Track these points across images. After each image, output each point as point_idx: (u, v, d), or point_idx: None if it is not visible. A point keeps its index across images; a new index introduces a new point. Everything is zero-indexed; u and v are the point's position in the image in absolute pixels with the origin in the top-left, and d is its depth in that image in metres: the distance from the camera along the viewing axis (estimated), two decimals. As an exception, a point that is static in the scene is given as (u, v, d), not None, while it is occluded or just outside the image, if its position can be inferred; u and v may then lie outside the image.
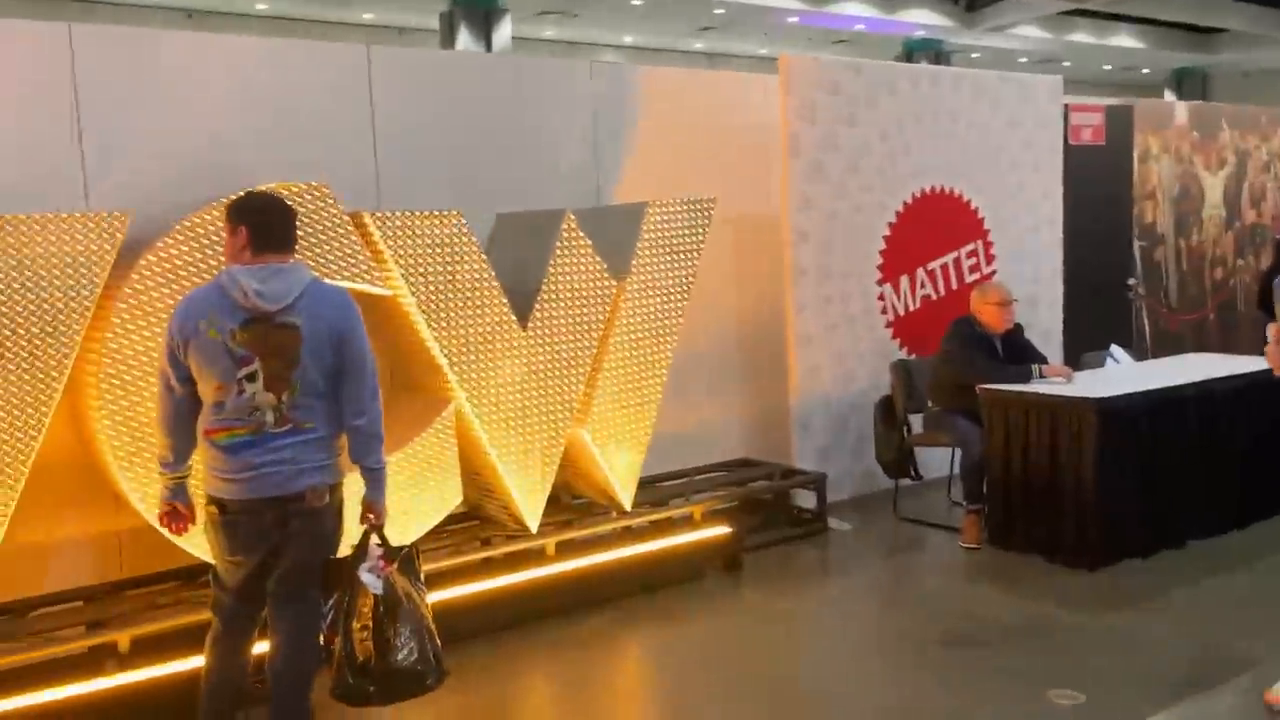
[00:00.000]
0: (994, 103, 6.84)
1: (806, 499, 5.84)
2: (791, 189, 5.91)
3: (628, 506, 4.87)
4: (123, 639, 3.67)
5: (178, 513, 3.17)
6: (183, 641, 3.68)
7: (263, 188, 3.87)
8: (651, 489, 5.34)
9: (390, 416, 4.40)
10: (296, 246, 3.17)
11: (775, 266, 5.99)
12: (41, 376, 3.51)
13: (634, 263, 4.78)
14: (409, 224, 4.18)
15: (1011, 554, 5.18)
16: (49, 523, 4.04)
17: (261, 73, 4.54)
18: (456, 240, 4.28)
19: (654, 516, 5.00)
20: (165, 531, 3.24)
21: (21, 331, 3.47)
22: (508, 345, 4.43)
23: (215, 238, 3.78)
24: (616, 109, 5.60)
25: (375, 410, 3.14)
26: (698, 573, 4.97)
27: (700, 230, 5.00)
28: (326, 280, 3.68)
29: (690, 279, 4.98)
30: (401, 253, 4.16)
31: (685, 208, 4.95)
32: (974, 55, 22.48)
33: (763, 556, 5.28)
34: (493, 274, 4.39)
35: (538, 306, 4.51)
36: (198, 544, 3.73)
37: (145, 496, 3.71)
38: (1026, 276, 6.90)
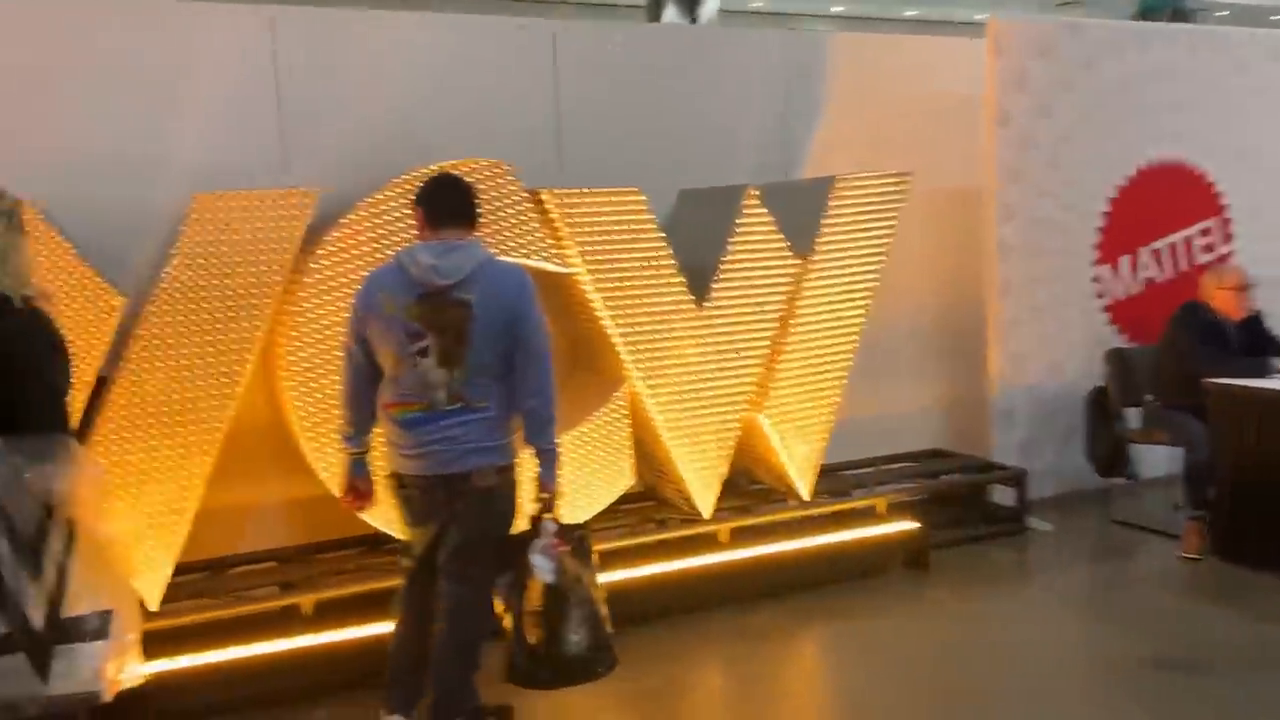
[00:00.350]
0: (1239, 64, 6.11)
1: (1004, 495, 5.45)
2: (998, 161, 5.48)
3: (806, 495, 4.67)
4: (306, 602, 3.81)
5: (357, 490, 3.25)
6: (363, 607, 3.80)
7: (444, 165, 3.92)
8: (833, 478, 5.11)
9: (564, 396, 4.40)
10: (478, 224, 3.16)
11: (977, 244, 5.59)
12: (234, 348, 3.67)
13: (819, 241, 4.55)
14: (587, 201, 4.12)
15: (1239, 568, 4.64)
16: (247, 486, 4.24)
17: (449, 50, 4.59)
18: (634, 218, 4.19)
19: (835, 507, 4.78)
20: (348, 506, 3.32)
21: (217, 304, 3.63)
22: (684, 325, 4.31)
23: (395, 215, 3.84)
24: (808, 79, 5.35)
25: (548, 392, 3.09)
26: (879, 569, 4.71)
27: (893, 206, 4.71)
28: (504, 258, 3.68)
29: (881, 257, 4.70)
30: (579, 230, 4.10)
31: (877, 182, 4.67)
32: (1219, 14, 20.51)
33: (952, 555, 4.95)
34: (670, 252, 4.28)
35: (716, 286, 4.37)
36: (376, 515, 3.83)
37: (329, 465, 3.83)
38: (1272, 258, 6.15)
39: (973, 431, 5.70)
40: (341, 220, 3.82)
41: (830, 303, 4.60)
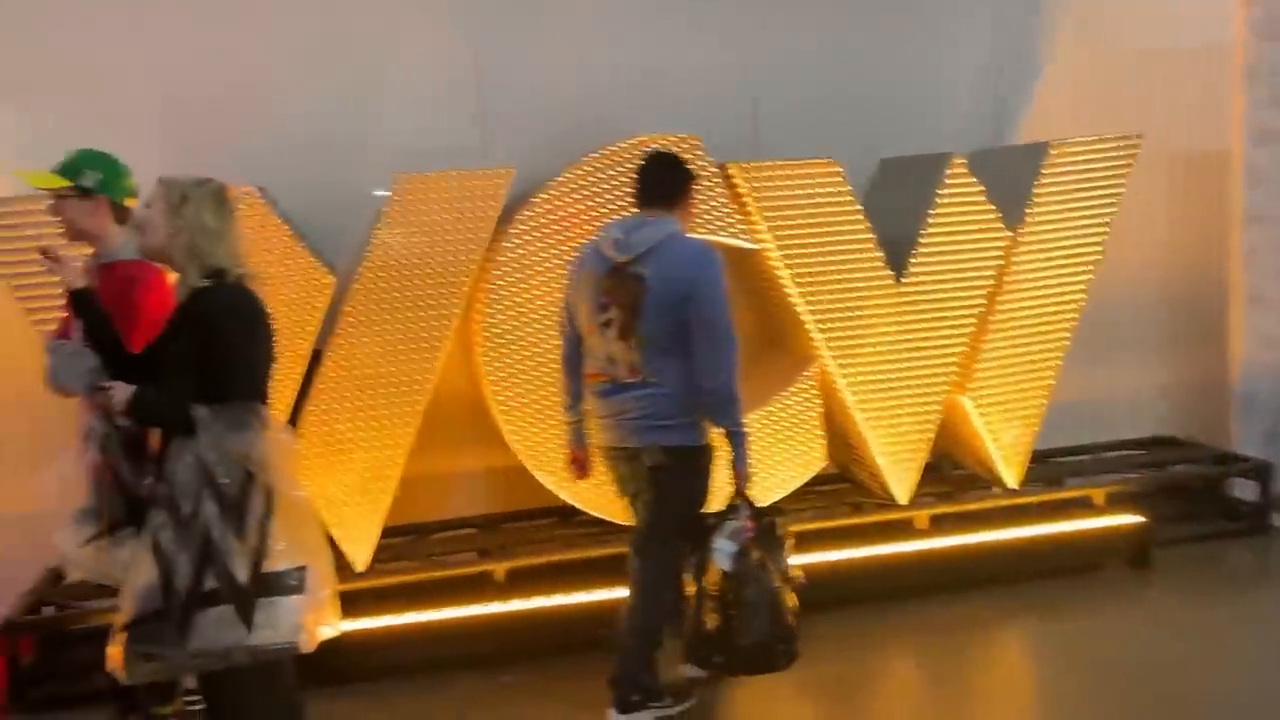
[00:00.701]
0: None
1: (1245, 490, 4.93)
2: (1247, 121, 4.93)
3: (1014, 483, 4.39)
4: (499, 569, 3.93)
5: (576, 458, 3.37)
6: (551, 576, 3.88)
7: (638, 141, 3.91)
8: (1046, 465, 4.78)
9: (754, 373, 4.33)
10: (680, 202, 3.16)
11: (1217, 212, 5.06)
12: (434, 323, 3.80)
13: (1031, 212, 4.24)
14: (777, 174, 4.00)
15: None
16: (449, 455, 4.42)
17: (644, 25, 4.55)
18: (829, 191, 4.03)
19: (1045, 497, 4.47)
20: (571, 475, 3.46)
21: (417, 281, 3.77)
22: (880, 302, 4.13)
23: (585, 192, 3.86)
24: (1024, 34, 4.98)
25: (727, 372, 3.03)
26: (1094, 566, 4.37)
27: (1119, 172, 4.32)
28: (693, 235, 3.65)
29: (1103, 229, 4.33)
30: (768, 205, 3.99)
31: (1099, 147, 4.30)
32: None
33: (1180, 553, 4.53)
34: (867, 225, 4.10)
35: (916, 259, 4.15)
36: (566, 488, 3.90)
37: (522, 438, 3.93)
38: None
39: (1208, 418, 5.19)
40: (533, 199, 3.88)
41: (1044, 278, 4.29)
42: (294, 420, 3.73)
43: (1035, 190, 4.24)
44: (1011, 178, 4.31)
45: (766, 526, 3.16)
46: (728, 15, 4.65)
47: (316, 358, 3.80)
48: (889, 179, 4.60)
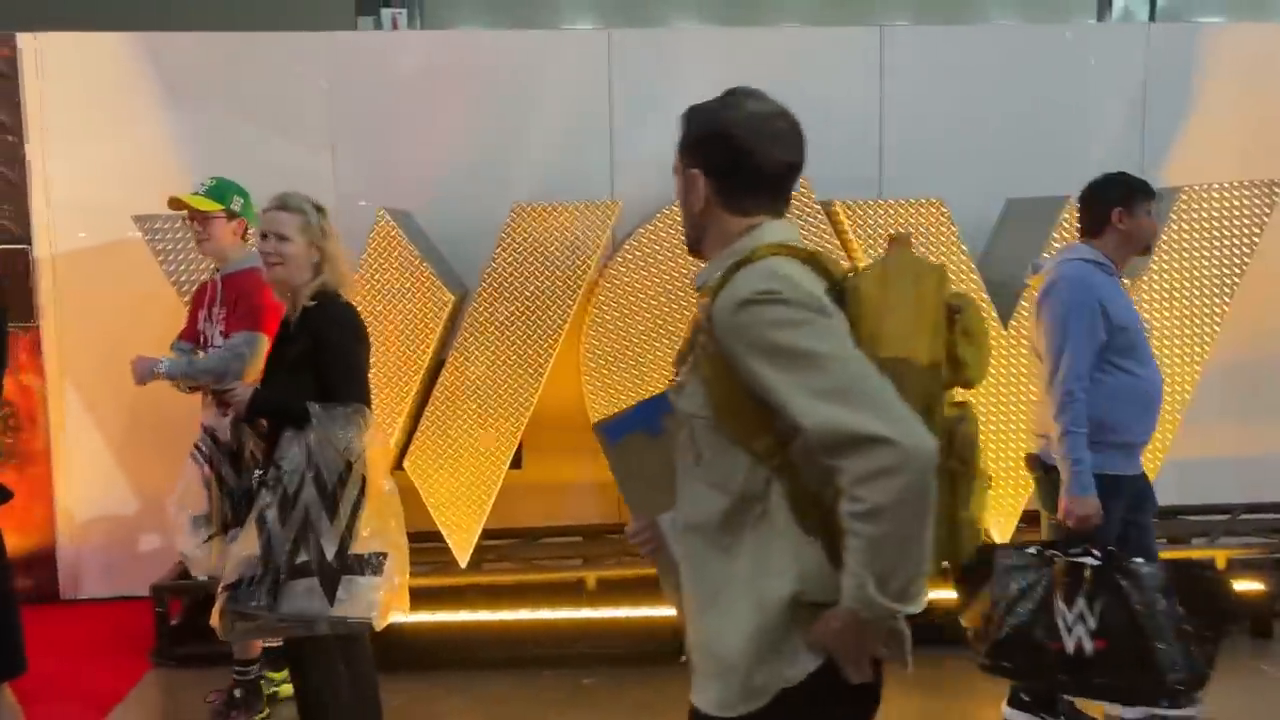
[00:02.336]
0: None
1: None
2: None
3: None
4: (590, 577, 4.16)
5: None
6: (637, 589, 4.08)
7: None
8: (1174, 522, 4.57)
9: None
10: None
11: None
12: (541, 344, 4.07)
13: (1154, 258, 4.09)
14: (882, 212, 4.06)
15: None
16: (561, 465, 4.69)
17: (772, 61, 4.69)
18: (935, 230, 4.06)
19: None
20: None
21: (529, 303, 4.06)
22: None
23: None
24: (1175, 75, 4.79)
25: None
26: (1208, 631, 4.16)
27: (1258, 218, 4.12)
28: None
29: (1236, 277, 4.13)
30: (871, 242, 4.06)
31: (1236, 193, 4.10)
32: None
33: (1311, 627, 4.23)
34: (973, 267, 4.08)
35: (1025, 305, 4.10)
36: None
37: (617, 456, 4.14)
38: None
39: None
40: (639, 229, 4.10)
41: (1164, 329, 4.13)
42: (415, 424, 4.10)
43: (1162, 237, 4.09)
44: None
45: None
46: (863, 48, 4.72)
47: (439, 369, 4.17)
48: (1013, 220, 4.55)
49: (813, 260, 1.63)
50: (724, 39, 4.77)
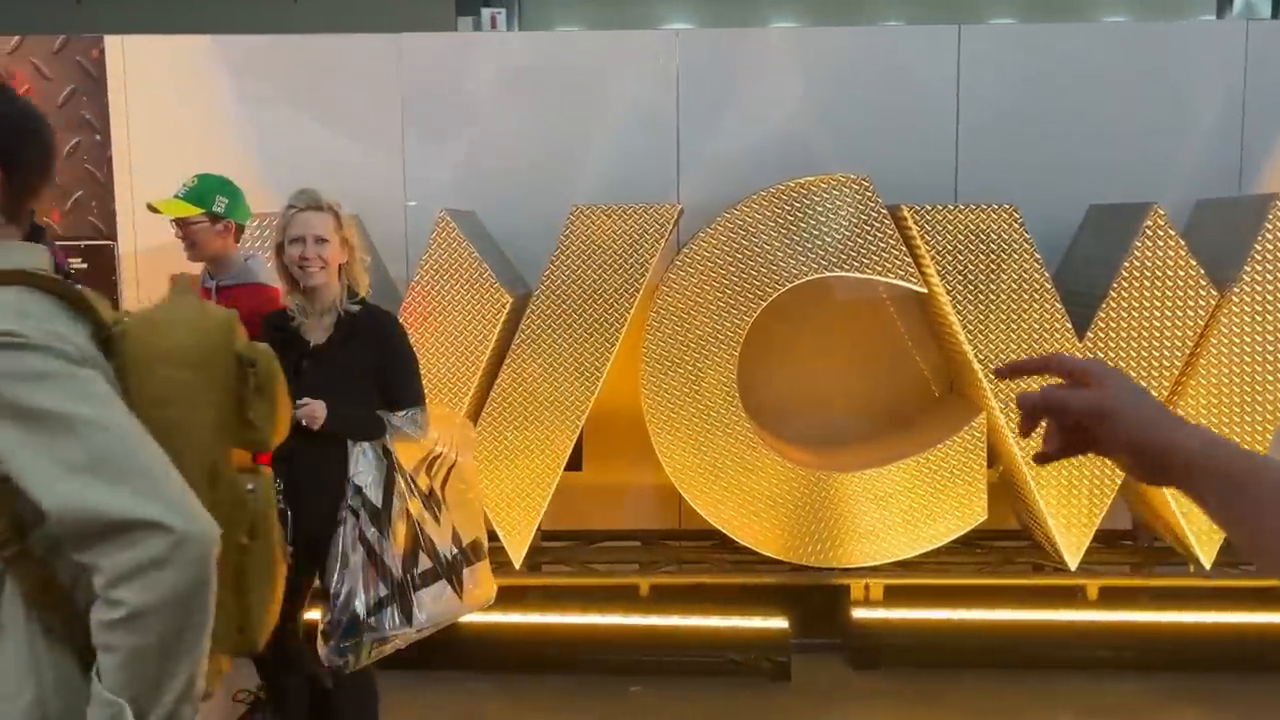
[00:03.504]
0: None
1: None
2: None
3: (1206, 564, 4.01)
4: (644, 583, 4.13)
5: None
6: (692, 597, 4.03)
7: (803, 180, 3.98)
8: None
9: (926, 418, 4.27)
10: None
11: None
12: (598, 347, 4.04)
13: (1247, 270, 3.87)
14: (950, 218, 3.91)
15: None
16: (621, 469, 4.65)
17: (845, 61, 4.57)
18: (1006, 236, 3.90)
19: (1242, 583, 4.04)
20: None
21: (586, 306, 4.03)
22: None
23: (745, 231, 3.97)
24: (1278, 76, 4.51)
25: None
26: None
27: (1363, 231, 3.85)
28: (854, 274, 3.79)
29: (1337, 293, 3.87)
30: (939, 248, 3.92)
31: (1339, 201, 3.84)
32: None
33: None
34: (1046, 275, 3.91)
35: (1102, 315, 3.91)
36: (714, 514, 4.03)
37: (673, 461, 4.09)
38: None
39: None
40: (699, 233, 4.04)
41: (1256, 346, 3.89)
42: (472, 424, 4.12)
43: (1255, 247, 3.86)
44: (1230, 233, 3.96)
45: None
46: (938, 48, 4.57)
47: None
48: (1095, 227, 4.35)
49: (69, 295, 1.29)
50: (795, 39, 4.67)
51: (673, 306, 4.05)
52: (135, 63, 4.66)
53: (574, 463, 4.31)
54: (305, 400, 2.86)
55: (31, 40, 4.62)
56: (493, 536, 4.12)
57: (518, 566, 4.15)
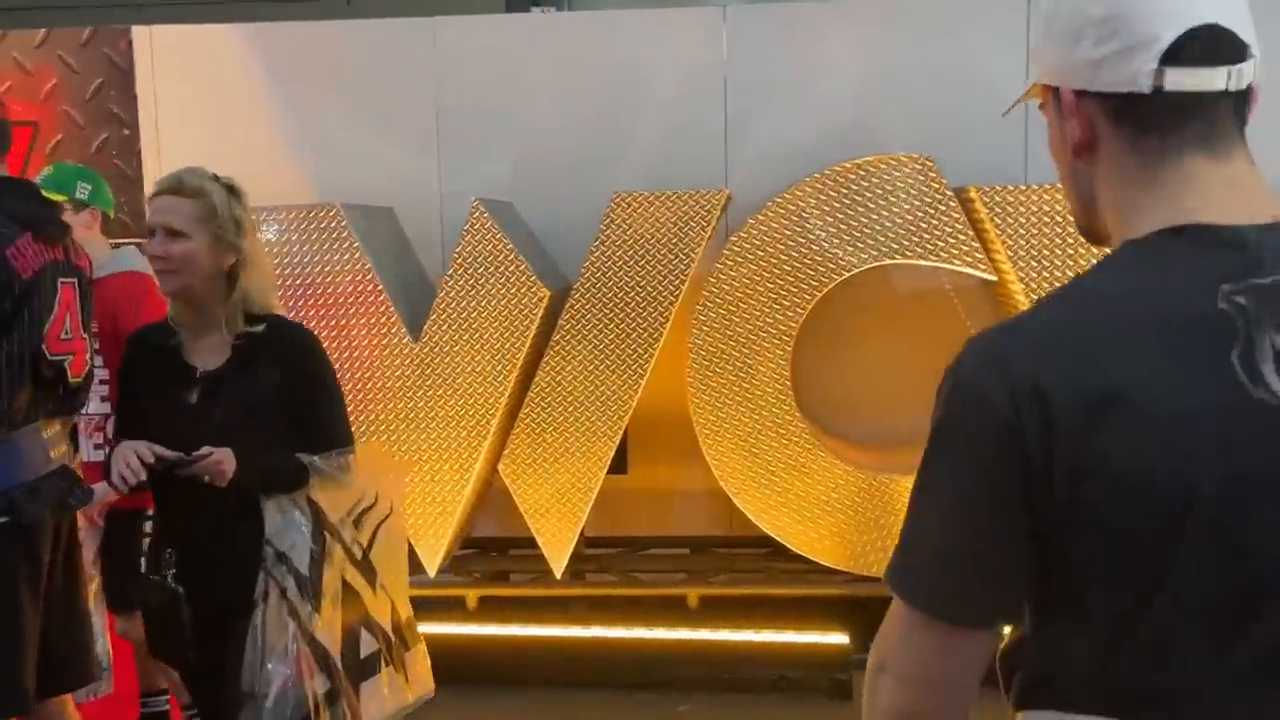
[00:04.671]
0: None
1: None
2: None
3: None
4: (692, 594, 3.88)
5: None
6: (746, 609, 3.77)
7: (860, 161, 3.71)
8: None
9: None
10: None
11: None
12: (641, 342, 3.80)
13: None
14: (1023, 199, 3.61)
15: None
16: (669, 471, 4.41)
17: (904, 36, 4.28)
18: (1086, 218, 3.57)
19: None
20: None
21: (628, 299, 3.80)
22: (1143, 348, 3.59)
23: (799, 215, 3.70)
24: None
25: None
26: None
27: None
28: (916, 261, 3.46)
29: None
30: (1011, 231, 3.61)
31: None
32: None
33: None
34: (1130, 260, 3.58)
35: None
36: (767, 519, 3.77)
37: (722, 463, 3.84)
38: None
39: None
40: (750, 219, 3.78)
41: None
42: (509, 425, 3.90)
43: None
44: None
45: None
46: (1008, 18, 4.25)
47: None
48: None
49: None
50: (851, 11, 4.37)
51: (721, 298, 3.79)
52: (164, 53, 4.52)
53: (618, 465, 4.08)
54: (207, 450, 2.15)
55: (58, 34, 4.50)
56: (532, 544, 3.92)
57: (559, 576, 3.93)
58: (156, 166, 4.55)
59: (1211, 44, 0.99)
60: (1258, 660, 0.93)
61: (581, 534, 4.01)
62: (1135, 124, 1.02)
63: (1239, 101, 1.03)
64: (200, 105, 4.51)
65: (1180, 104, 1.00)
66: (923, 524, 1.04)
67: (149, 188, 4.52)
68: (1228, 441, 0.91)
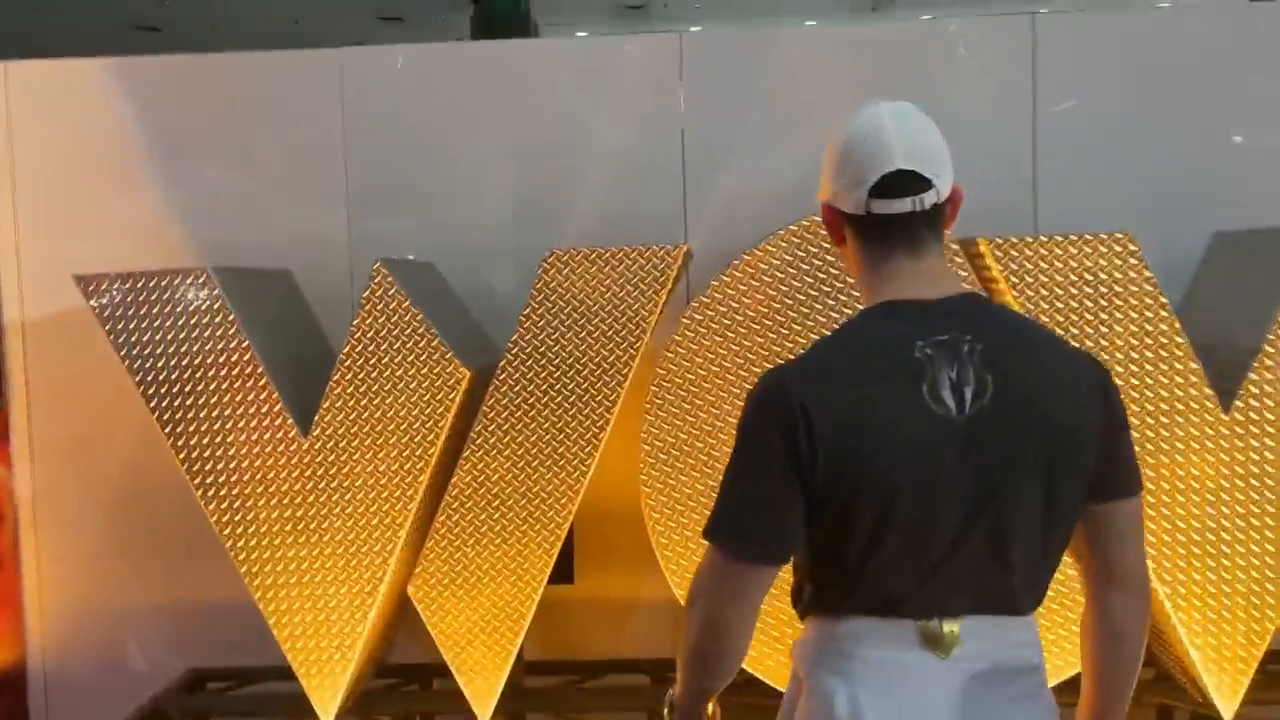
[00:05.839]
0: None
1: None
2: None
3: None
4: (651, 744, 3.13)
5: None
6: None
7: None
8: None
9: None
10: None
11: None
12: (583, 429, 3.09)
13: None
14: (1044, 253, 2.95)
15: None
16: (623, 582, 3.71)
17: (890, 63, 3.68)
18: (1120, 274, 2.93)
19: None
20: None
21: (567, 378, 3.10)
22: (1197, 431, 2.93)
23: (772, 276, 3.05)
24: None
25: None
26: None
27: None
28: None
29: None
30: (1031, 291, 2.95)
31: None
32: None
33: None
34: (1176, 324, 2.93)
35: (1253, 378, 2.92)
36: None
37: (683, 573, 3.13)
38: None
39: None
40: (714, 280, 3.11)
41: None
42: (422, 541, 3.18)
43: None
44: None
45: None
46: (1009, 44, 3.66)
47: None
48: (1224, 262, 3.37)
49: None
50: (827, 39, 3.78)
51: (680, 376, 3.10)
52: (22, 94, 3.83)
53: (563, 573, 3.40)
54: None
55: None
56: (448, 672, 3.18)
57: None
58: (12, 224, 3.84)
59: (900, 182, 1.56)
60: (939, 577, 1.54)
61: (520, 659, 3.28)
62: (862, 233, 1.63)
63: (933, 215, 1.59)
64: (67, 155, 3.83)
65: (886, 221, 1.58)
66: (731, 493, 1.60)
67: (2, 249, 3.83)
68: (919, 440, 1.50)
